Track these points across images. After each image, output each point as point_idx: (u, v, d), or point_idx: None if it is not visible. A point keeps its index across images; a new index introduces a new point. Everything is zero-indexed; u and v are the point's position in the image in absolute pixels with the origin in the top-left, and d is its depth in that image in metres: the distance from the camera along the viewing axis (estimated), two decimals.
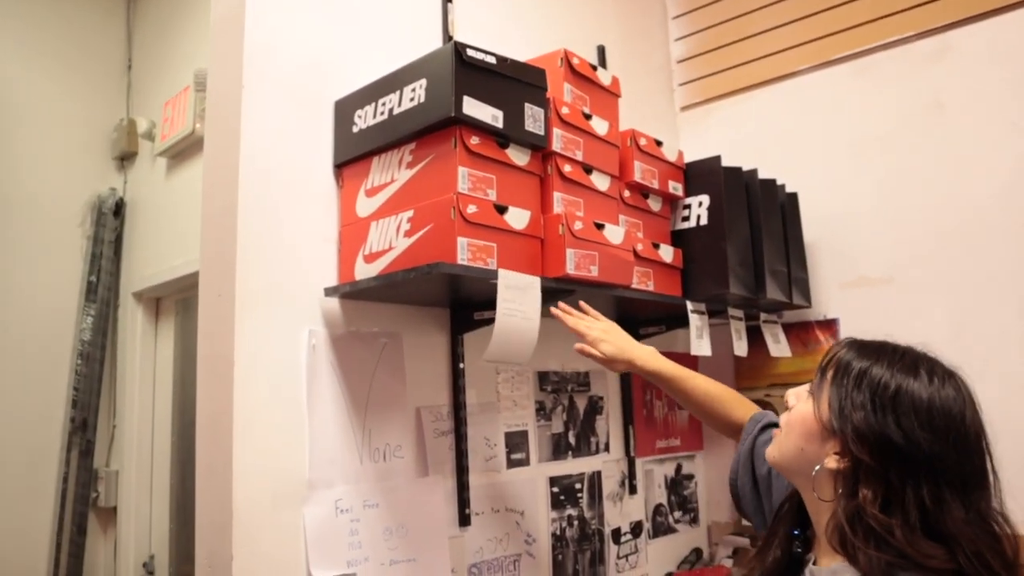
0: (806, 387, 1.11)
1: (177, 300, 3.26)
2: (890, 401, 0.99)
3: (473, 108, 1.46)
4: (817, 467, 1.04)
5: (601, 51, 2.44)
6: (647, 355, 1.55)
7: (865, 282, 2.33)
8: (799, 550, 1.12)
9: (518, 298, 1.45)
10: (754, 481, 1.36)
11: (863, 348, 1.06)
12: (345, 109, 1.66)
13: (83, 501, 3.25)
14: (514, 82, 1.55)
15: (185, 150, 3.03)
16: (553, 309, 1.57)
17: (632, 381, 2.31)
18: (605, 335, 1.54)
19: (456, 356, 1.80)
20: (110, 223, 3.39)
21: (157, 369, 3.33)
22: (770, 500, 1.32)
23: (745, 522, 2.45)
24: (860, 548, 0.95)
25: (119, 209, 3.43)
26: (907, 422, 0.97)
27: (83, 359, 3.31)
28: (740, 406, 1.51)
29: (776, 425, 1.30)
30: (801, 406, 1.09)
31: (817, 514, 1.07)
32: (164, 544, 3.17)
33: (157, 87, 3.33)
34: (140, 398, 3.29)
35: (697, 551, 2.46)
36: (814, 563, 1.08)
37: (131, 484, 3.24)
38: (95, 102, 3.50)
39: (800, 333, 2.42)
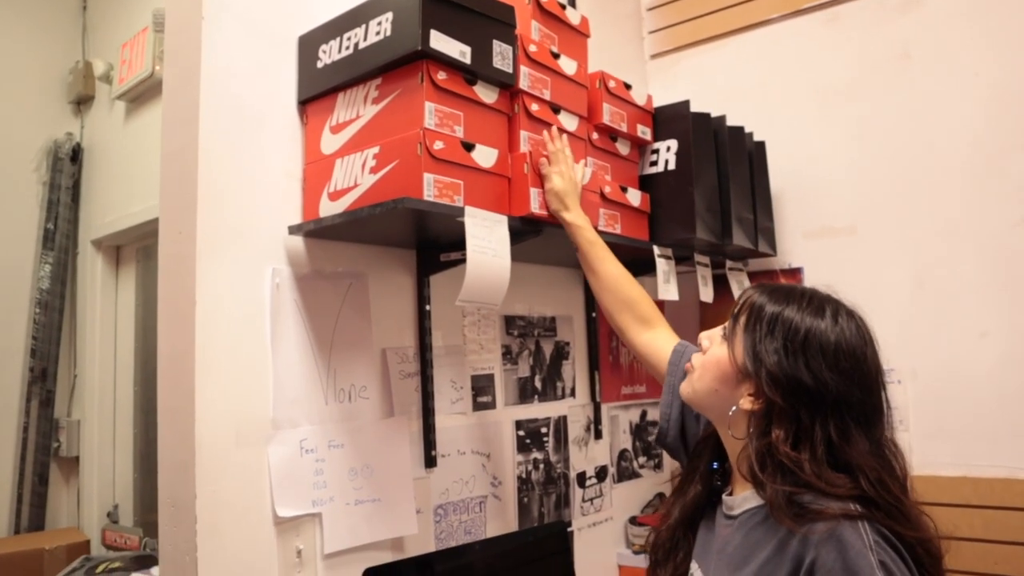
0: (719, 330, 1.17)
1: (138, 248, 3.21)
2: (800, 345, 1.05)
3: (440, 43, 1.43)
4: (733, 408, 1.11)
5: None
6: (582, 216, 1.61)
7: (829, 232, 2.36)
8: (718, 483, 1.20)
9: (486, 236, 1.44)
10: (680, 415, 1.38)
11: (773, 292, 1.12)
12: (309, 44, 1.62)
13: (44, 451, 3.23)
14: (482, 18, 1.52)
15: (144, 93, 2.96)
16: (545, 131, 1.65)
17: (599, 328, 2.32)
18: (565, 175, 1.60)
19: (422, 298, 1.79)
20: (67, 169, 3.31)
21: (118, 318, 3.28)
22: (687, 438, 1.37)
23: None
24: (768, 481, 1.02)
25: (76, 155, 3.35)
26: (816, 364, 1.04)
27: (41, 308, 3.25)
28: (655, 321, 1.54)
29: None
30: (715, 349, 1.15)
31: (732, 450, 1.15)
32: (128, 493, 3.16)
33: (114, 28, 3.23)
34: (101, 347, 3.25)
35: (661, 495, 2.50)
36: (730, 494, 1.16)
37: (93, 434, 3.22)
38: (49, 44, 3.40)
39: (765, 281, 2.43)
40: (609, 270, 1.58)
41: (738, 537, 1.09)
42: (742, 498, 1.11)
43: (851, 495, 0.98)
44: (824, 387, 1.02)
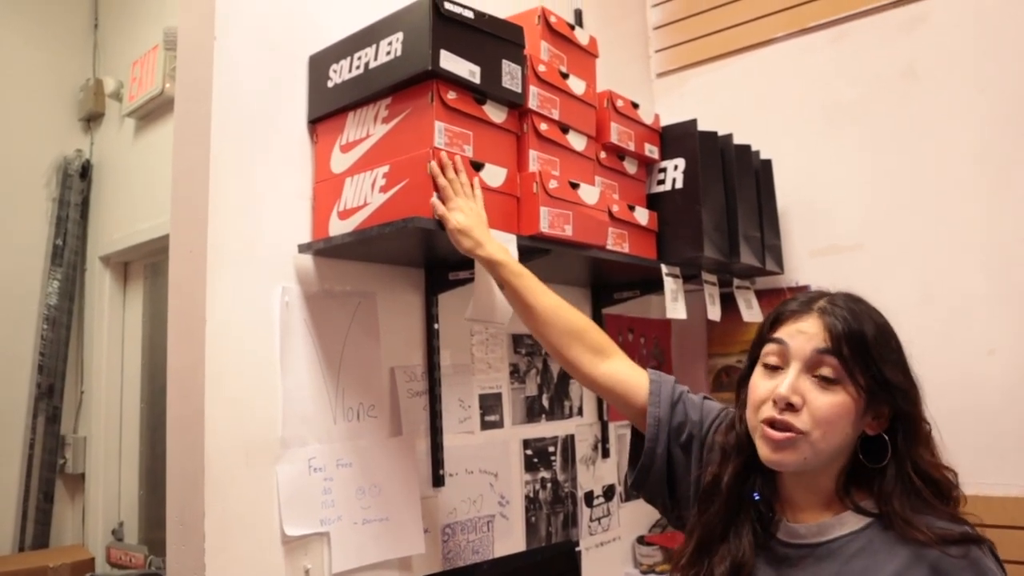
0: (803, 379, 1.01)
1: (146, 264, 3.22)
2: (899, 348, 1.05)
3: (450, 62, 1.44)
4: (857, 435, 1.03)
5: (578, 15, 2.42)
6: (499, 248, 1.40)
7: (836, 249, 2.36)
8: (769, 514, 1.08)
9: None
10: (667, 450, 1.24)
11: (852, 313, 1.03)
12: (320, 64, 1.63)
13: (50, 468, 3.22)
14: (491, 38, 1.53)
15: (154, 111, 2.97)
16: (431, 163, 1.40)
17: None
18: (467, 208, 1.40)
19: (431, 316, 1.79)
20: (76, 185, 3.33)
21: (126, 334, 3.29)
22: (675, 477, 1.24)
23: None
24: (895, 499, 0.99)
25: (86, 171, 3.37)
26: (906, 360, 1.05)
27: (49, 324, 3.26)
28: (609, 349, 1.36)
29: (682, 386, 1.30)
30: (827, 400, 1.00)
31: (804, 480, 1.05)
32: (134, 510, 3.15)
33: (125, 46, 3.25)
34: (108, 364, 3.25)
35: None
36: (787, 521, 1.07)
37: (99, 450, 3.21)
38: (61, 62, 3.42)
39: (772, 299, 2.43)
40: (545, 302, 1.36)
41: (836, 564, 1.00)
42: (832, 524, 1.03)
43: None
44: (915, 383, 1.04)
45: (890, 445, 1.02)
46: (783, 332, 1.05)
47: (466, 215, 1.39)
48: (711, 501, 1.10)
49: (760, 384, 1.05)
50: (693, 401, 1.27)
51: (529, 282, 1.37)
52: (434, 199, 1.39)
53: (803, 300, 1.07)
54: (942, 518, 0.98)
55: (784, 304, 1.09)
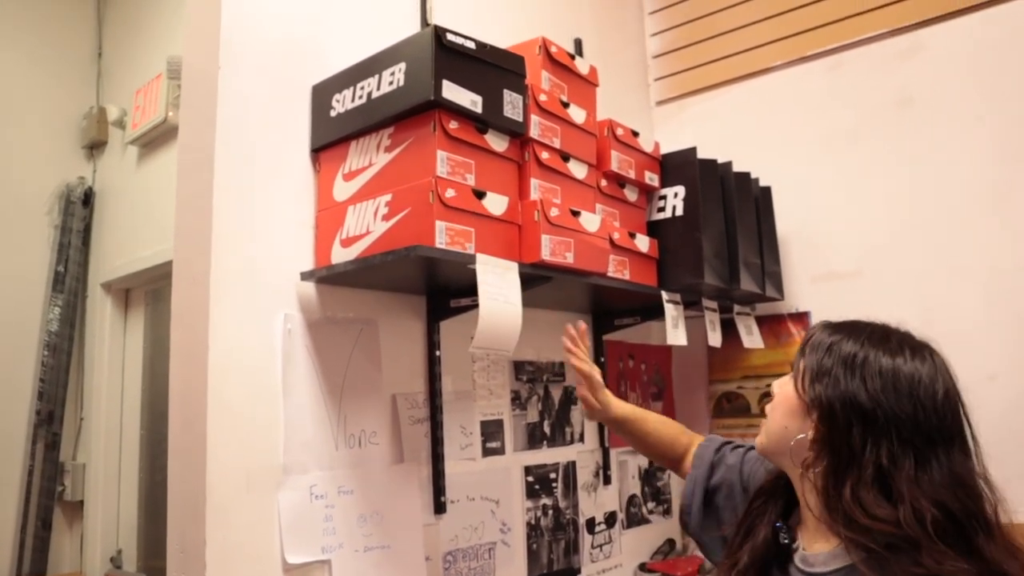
0: (789, 376, 1.14)
1: (147, 291, 3.22)
2: (859, 366, 1.03)
3: (452, 92, 1.45)
4: (799, 436, 1.06)
5: (578, 44, 2.45)
6: (616, 401, 1.57)
7: (835, 275, 2.37)
8: (785, 540, 1.11)
9: (498, 282, 1.45)
10: (703, 501, 1.38)
11: (837, 326, 1.11)
12: (323, 93, 1.65)
13: (48, 495, 3.20)
14: (493, 68, 1.55)
15: (157, 139, 2.99)
16: (566, 340, 1.56)
17: (607, 372, 2.32)
18: (597, 382, 1.55)
19: (432, 343, 1.79)
20: (79, 212, 3.34)
21: (126, 361, 3.28)
22: (717, 514, 1.36)
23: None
24: (856, 535, 0.96)
25: (88, 198, 3.38)
26: (872, 385, 1.01)
27: (50, 350, 3.26)
28: (684, 439, 1.53)
29: (729, 443, 1.44)
30: (782, 389, 1.13)
31: (804, 497, 1.08)
32: (132, 538, 3.13)
33: (128, 75, 3.29)
34: (108, 390, 3.25)
35: (670, 542, 2.48)
36: (803, 548, 1.09)
37: (99, 478, 3.20)
38: (64, 90, 3.45)
39: (772, 325, 2.44)
40: (655, 423, 1.56)
41: None
42: (828, 555, 1.04)
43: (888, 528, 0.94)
44: (879, 407, 1.00)
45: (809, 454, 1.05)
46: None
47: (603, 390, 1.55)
48: (745, 525, 1.18)
49: None
50: (735, 453, 1.41)
51: (643, 425, 1.56)
52: (582, 391, 1.55)
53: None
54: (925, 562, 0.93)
55: None
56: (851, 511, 0.96)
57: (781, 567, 1.10)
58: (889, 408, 1.00)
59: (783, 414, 1.10)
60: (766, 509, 1.17)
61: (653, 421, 1.57)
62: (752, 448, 1.35)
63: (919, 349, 1.09)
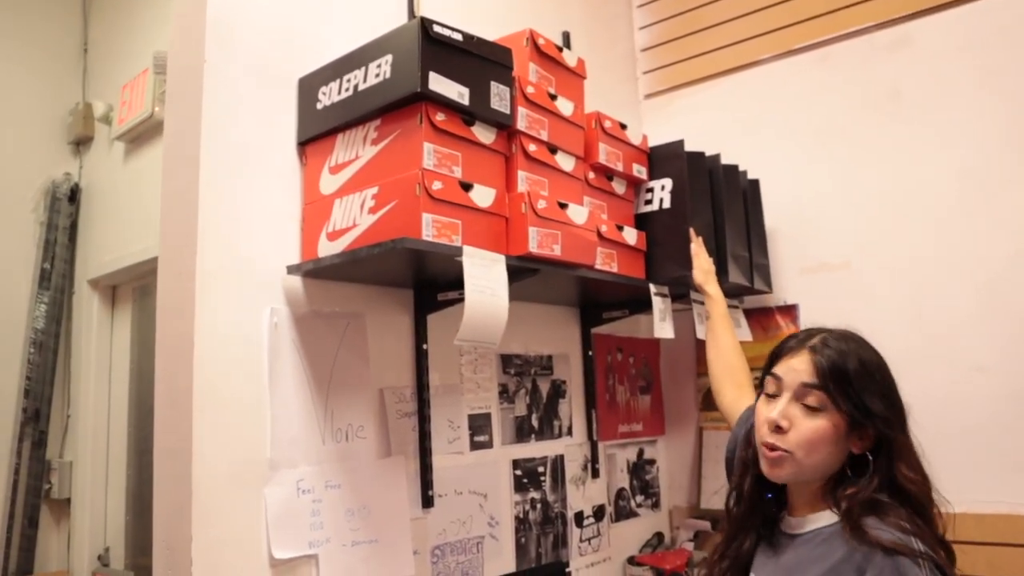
0: (792, 406, 1.23)
1: (134, 287, 3.20)
2: (884, 380, 1.24)
3: (439, 84, 1.45)
4: (852, 453, 1.23)
5: (566, 37, 2.45)
6: (716, 293, 1.96)
7: (824, 268, 2.37)
8: (774, 509, 1.34)
9: (484, 275, 1.45)
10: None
11: (839, 352, 1.24)
12: (309, 86, 1.64)
13: (35, 493, 3.18)
14: (480, 60, 1.55)
15: (143, 134, 2.97)
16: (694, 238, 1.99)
17: (595, 366, 2.32)
18: (708, 266, 2.00)
19: (420, 337, 1.79)
20: (65, 209, 3.32)
21: (113, 358, 3.26)
22: None
23: (704, 506, 2.48)
24: (854, 507, 1.18)
25: (74, 195, 3.36)
26: (893, 390, 1.24)
27: (36, 348, 3.23)
28: (745, 386, 1.76)
29: None
30: (810, 424, 1.21)
31: (807, 484, 1.27)
32: (120, 536, 3.12)
33: (114, 70, 3.26)
34: (95, 388, 3.23)
35: (659, 535, 2.48)
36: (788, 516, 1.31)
37: (86, 475, 3.18)
38: (50, 85, 3.42)
39: (761, 318, 2.45)
40: (728, 341, 1.88)
41: (804, 550, 1.23)
42: (811, 519, 1.25)
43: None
44: (900, 410, 1.23)
45: (872, 463, 1.20)
46: (780, 368, 1.27)
47: (708, 263, 2.00)
48: (737, 504, 1.37)
49: (761, 410, 1.28)
50: None
51: (728, 322, 1.93)
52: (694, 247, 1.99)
53: (800, 338, 1.29)
54: (894, 528, 1.13)
55: (784, 342, 1.32)
56: (911, 496, 1.18)
57: (768, 531, 1.32)
58: (897, 396, 1.23)
59: (828, 444, 1.21)
60: (743, 484, 1.36)
61: (732, 336, 1.90)
62: None
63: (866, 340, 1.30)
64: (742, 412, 1.60)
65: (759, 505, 1.34)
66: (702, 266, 1.99)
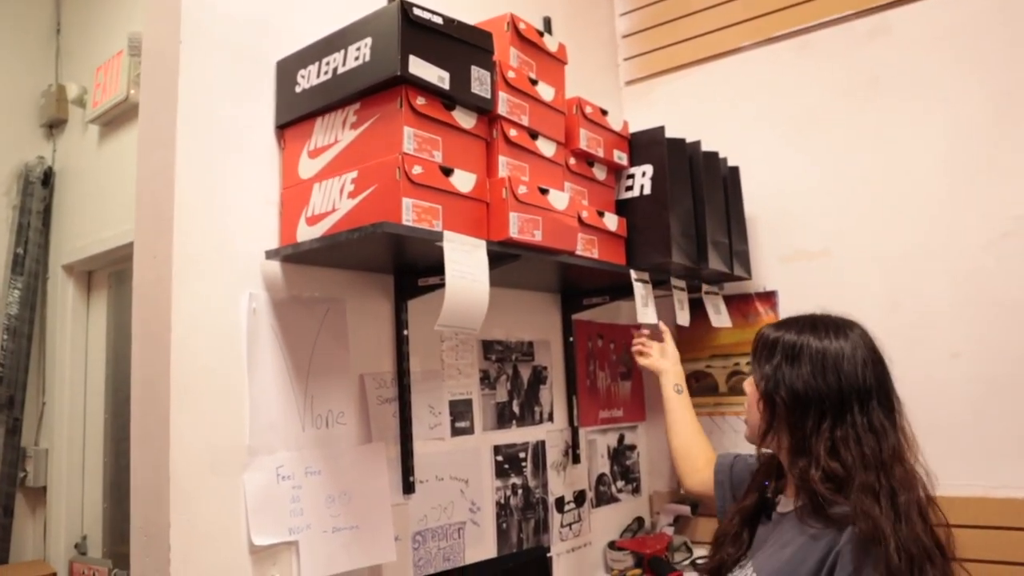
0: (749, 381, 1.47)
1: (110, 273, 3.17)
2: (797, 355, 1.34)
3: (419, 68, 1.43)
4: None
5: (547, 22, 2.43)
6: (663, 382, 1.99)
7: (803, 255, 2.38)
8: (769, 495, 1.46)
9: (465, 260, 1.44)
10: (733, 498, 1.65)
11: (778, 324, 1.42)
12: (287, 69, 1.62)
13: (10, 481, 3.15)
14: (460, 44, 1.53)
15: (118, 117, 2.93)
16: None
17: (576, 352, 2.32)
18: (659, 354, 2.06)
19: (400, 323, 1.78)
20: (38, 193, 3.26)
21: (89, 344, 3.23)
22: None
23: (683, 491, 2.49)
24: (801, 486, 1.31)
25: (48, 178, 3.31)
26: (804, 370, 1.33)
27: (9, 334, 3.19)
28: (706, 466, 1.81)
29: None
30: (749, 387, 1.47)
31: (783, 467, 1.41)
32: (97, 524, 3.09)
33: (88, 52, 3.21)
34: (71, 375, 3.19)
35: (639, 520, 2.50)
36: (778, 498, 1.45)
37: (62, 463, 3.15)
38: (22, 67, 3.36)
39: (740, 305, 2.46)
40: (683, 431, 1.92)
41: (778, 530, 1.36)
42: (789, 501, 1.38)
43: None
44: (808, 388, 1.31)
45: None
46: None
47: (650, 358, 2.05)
48: (746, 496, 1.53)
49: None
50: (747, 456, 1.68)
51: (670, 413, 1.96)
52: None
53: None
54: (843, 503, 1.24)
55: None
56: (799, 475, 1.30)
57: (767, 515, 1.44)
58: (816, 386, 1.30)
59: (754, 407, 1.42)
60: (758, 478, 1.51)
61: (685, 423, 1.93)
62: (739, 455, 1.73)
63: (845, 329, 1.36)
64: (716, 463, 1.76)
65: (760, 494, 1.49)
66: (670, 355, 2.05)
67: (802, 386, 1.31)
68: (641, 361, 2.05)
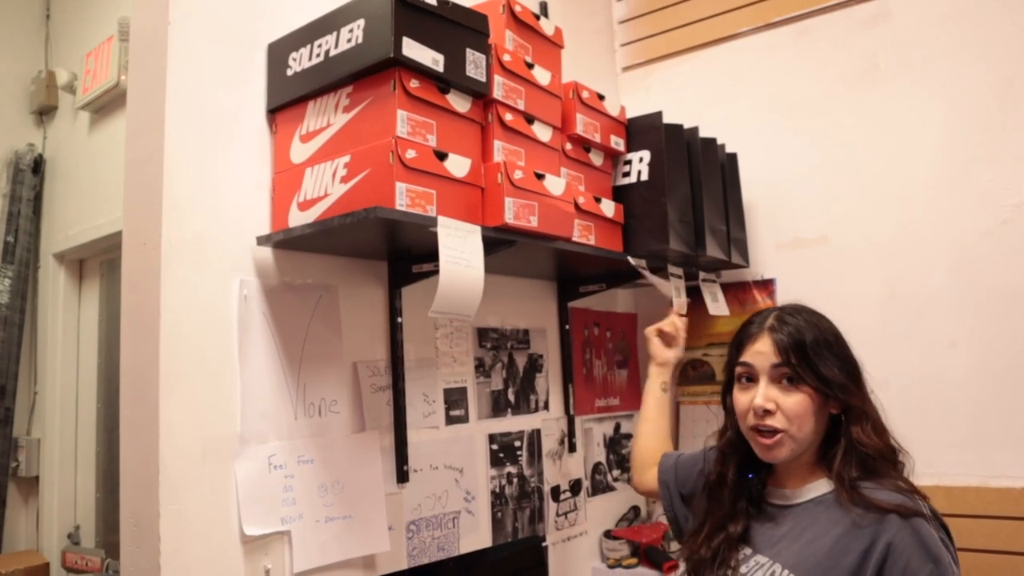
0: (772, 388, 1.29)
1: (102, 261, 3.14)
2: (838, 344, 1.31)
3: (413, 50, 1.41)
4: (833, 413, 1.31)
5: (543, 6, 2.40)
6: (656, 374, 1.84)
7: (801, 243, 2.36)
8: (757, 487, 1.38)
9: (460, 246, 1.42)
10: (681, 496, 1.59)
11: (795, 327, 1.30)
12: (279, 52, 1.59)
13: (2, 471, 3.13)
14: (455, 26, 1.51)
15: (109, 103, 2.90)
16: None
17: (572, 340, 2.30)
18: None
19: (394, 310, 1.76)
20: (28, 181, 3.23)
21: (81, 334, 3.20)
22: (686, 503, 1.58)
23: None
24: (846, 472, 1.25)
25: (38, 166, 3.27)
26: (847, 352, 1.32)
27: (1, 323, 3.16)
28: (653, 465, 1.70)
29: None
30: (792, 400, 1.27)
31: (800, 457, 1.31)
32: (90, 514, 3.08)
33: (78, 37, 3.17)
34: (63, 364, 3.17)
35: (635, 509, 2.49)
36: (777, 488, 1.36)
37: (54, 453, 3.13)
38: (11, 54, 3.32)
39: (738, 293, 2.44)
40: (646, 428, 1.80)
41: (807, 517, 1.27)
42: (809, 488, 1.30)
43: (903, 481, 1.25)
44: (856, 373, 1.31)
45: (844, 425, 1.28)
46: (747, 355, 1.32)
47: (657, 348, 1.86)
48: (720, 490, 1.39)
49: (740, 398, 1.33)
50: (691, 455, 1.61)
51: (644, 411, 1.83)
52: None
53: (757, 323, 1.34)
54: (892, 489, 1.20)
55: (743, 329, 1.37)
56: (859, 448, 1.25)
57: (755, 507, 1.36)
58: (852, 359, 1.31)
59: (811, 416, 1.28)
60: (732, 471, 1.40)
61: (650, 426, 1.79)
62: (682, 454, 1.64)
63: (810, 312, 1.35)
64: (660, 463, 1.66)
65: (744, 487, 1.38)
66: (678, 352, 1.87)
67: (854, 362, 1.32)
68: (658, 344, 1.85)
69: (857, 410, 1.27)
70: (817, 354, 1.27)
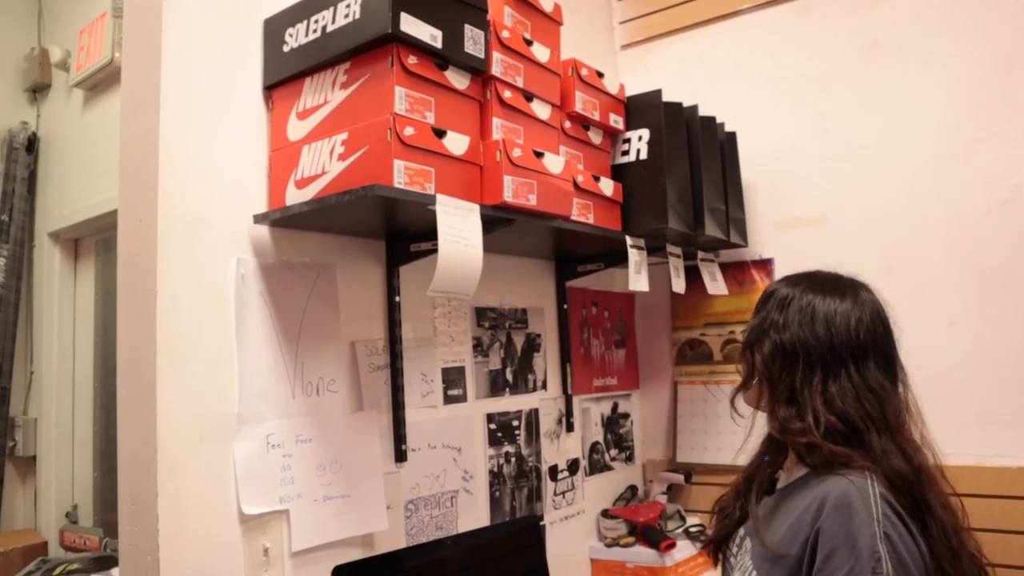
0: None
1: (97, 240, 3.13)
2: (785, 307, 1.28)
3: (411, 26, 1.39)
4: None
5: None
6: None
7: (800, 222, 2.35)
8: (769, 471, 1.39)
9: (458, 224, 1.41)
10: None
11: (786, 278, 1.35)
12: (275, 27, 1.57)
13: None
14: (454, 1, 1.49)
15: (103, 81, 2.87)
16: None
17: (570, 320, 2.30)
18: None
19: (392, 289, 1.75)
20: (22, 159, 3.21)
21: (77, 313, 3.20)
22: None
23: (679, 459, 2.49)
24: (805, 452, 1.22)
25: (32, 144, 3.25)
26: (790, 319, 1.27)
27: None
28: None
29: None
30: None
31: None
32: (88, 493, 3.08)
33: (71, 14, 3.14)
34: (59, 343, 3.17)
35: (632, 488, 2.49)
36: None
37: (51, 432, 3.13)
38: (3, 30, 3.29)
39: (736, 272, 2.44)
40: None
41: (785, 500, 1.26)
42: (788, 473, 1.32)
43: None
44: (794, 338, 1.25)
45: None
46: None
47: None
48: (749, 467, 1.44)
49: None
50: None
51: None
52: None
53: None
54: (837, 471, 1.16)
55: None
56: (780, 427, 1.23)
57: (770, 492, 1.36)
58: (803, 338, 1.24)
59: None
60: (760, 450, 1.43)
61: None
62: None
63: (848, 288, 1.30)
64: None
65: (760, 468, 1.41)
66: None
67: (788, 337, 1.24)
68: None
69: (763, 379, 1.30)
70: (763, 301, 1.34)
